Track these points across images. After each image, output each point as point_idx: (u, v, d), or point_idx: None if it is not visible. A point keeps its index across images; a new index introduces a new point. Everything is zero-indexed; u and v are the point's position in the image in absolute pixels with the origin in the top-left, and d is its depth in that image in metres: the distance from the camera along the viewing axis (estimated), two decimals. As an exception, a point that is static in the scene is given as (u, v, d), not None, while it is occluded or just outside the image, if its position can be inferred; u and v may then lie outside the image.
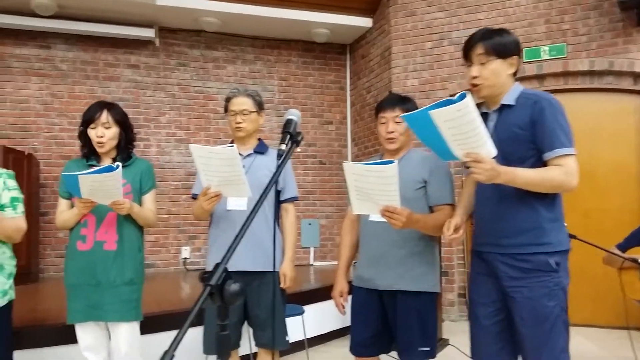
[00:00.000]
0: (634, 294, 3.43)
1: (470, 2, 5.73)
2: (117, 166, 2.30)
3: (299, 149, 1.78)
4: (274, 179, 1.45)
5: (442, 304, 5.15)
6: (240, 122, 2.69)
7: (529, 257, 1.98)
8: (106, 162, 2.61)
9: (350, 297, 2.57)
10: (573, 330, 2.09)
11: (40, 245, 5.90)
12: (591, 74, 5.25)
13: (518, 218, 2.01)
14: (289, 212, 2.79)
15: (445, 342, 4.43)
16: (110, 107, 2.62)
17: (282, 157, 1.60)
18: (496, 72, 2.03)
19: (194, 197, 2.72)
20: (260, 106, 2.77)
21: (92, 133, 2.57)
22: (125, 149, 2.65)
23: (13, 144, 5.69)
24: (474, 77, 2.05)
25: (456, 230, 2.09)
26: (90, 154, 2.63)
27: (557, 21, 5.35)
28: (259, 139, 2.82)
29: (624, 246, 3.38)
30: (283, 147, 1.64)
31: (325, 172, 7.23)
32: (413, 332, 2.31)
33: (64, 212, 2.58)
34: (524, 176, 1.90)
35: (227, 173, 2.29)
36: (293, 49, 7.16)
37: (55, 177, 5.97)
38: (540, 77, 5.41)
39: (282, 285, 2.66)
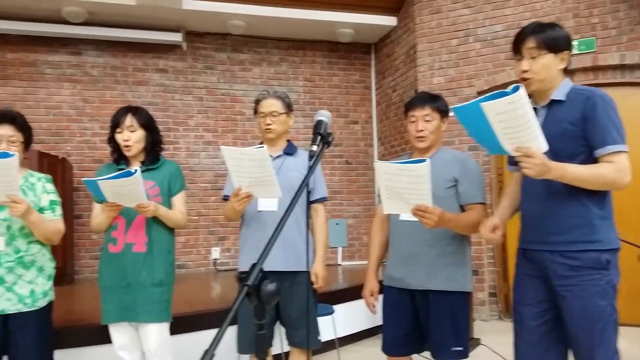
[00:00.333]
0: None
1: (496, -2, 5.67)
2: (135, 170, 2.34)
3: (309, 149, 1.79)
4: (307, 180, 1.47)
5: (472, 304, 5.11)
6: (269, 124, 2.71)
7: (579, 255, 1.94)
8: (135, 165, 2.66)
9: (380, 297, 2.57)
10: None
11: (75, 247, 6.05)
12: (622, 67, 5.14)
13: (567, 214, 1.96)
14: (319, 212, 2.81)
15: (476, 342, 4.40)
16: (135, 111, 2.66)
17: (314, 158, 1.61)
18: (547, 67, 2.00)
19: (225, 198, 2.75)
20: (289, 107, 2.80)
21: (118, 137, 2.63)
22: (152, 152, 2.69)
23: (47, 148, 5.84)
24: (524, 71, 2.01)
25: (494, 230, 2.06)
26: (119, 158, 2.69)
27: (585, 15, 5.25)
28: (287, 140, 2.84)
29: None
30: (314, 148, 1.65)
31: (352, 172, 7.24)
32: (446, 331, 2.30)
33: (97, 216, 2.64)
34: (575, 172, 1.86)
35: (257, 174, 2.32)
36: (318, 49, 7.18)
37: (88, 181, 6.11)
38: (569, 72, 5.28)
39: (314, 285, 2.68)
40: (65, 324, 3.48)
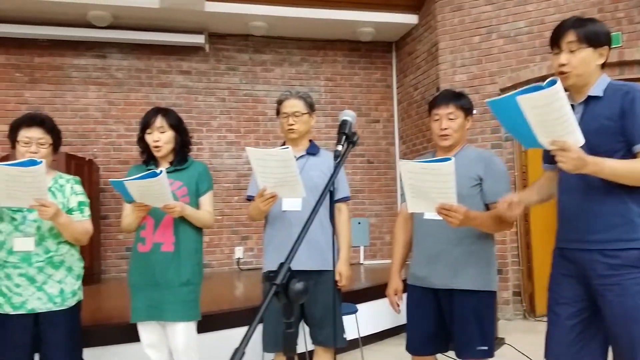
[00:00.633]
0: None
1: (519, -6, 5.61)
2: (161, 171, 2.37)
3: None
4: (332, 180, 1.48)
5: (496, 303, 5.07)
6: (292, 124, 2.73)
7: (620, 253, 1.89)
8: (164, 166, 2.69)
9: (404, 296, 2.57)
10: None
11: (102, 247, 6.16)
12: (648, 62, 5.05)
13: (607, 212, 1.92)
14: (342, 211, 2.82)
15: (501, 341, 4.36)
16: (165, 112, 2.70)
17: (339, 158, 1.62)
18: (586, 61, 1.96)
19: (249, 198, 2.77)
20: (311, 107, 2.80)
21: (148, 138, 2.67)
22: (181, 152, 2.72)
23: (74, 150, 5.95)
24: (562, 65, 1.98)
25: (510, 205, 2.02)
26: (149, 158, 2.73)
27: (610, 9, 5.16)
28: (310, 140, 2.85)
29: None
30: (339, 148, 1.66)
31: (374, 171, 7.23)
32: (471, 331, 2.29)
33: (127, 216, 2.68)
34: (612, 167, 1.82)
35: (282, 174, 2.33)
36: (338, 49, 7.19)
37: (114, 182, 6.22)
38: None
39: (338, 285, 2.69)
40: (93, 323, 3.56)
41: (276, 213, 2.69)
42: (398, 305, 2.57)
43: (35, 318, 2.45)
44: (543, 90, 1.63)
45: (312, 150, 2.80)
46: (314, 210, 1.42)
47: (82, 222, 2.56)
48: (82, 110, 6.37)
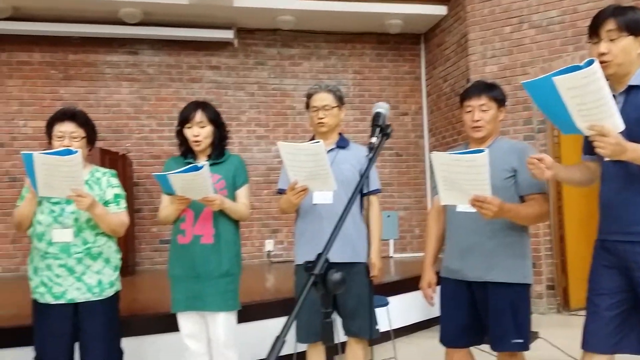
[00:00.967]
0: None
1: (551, -18, 5.50)
2: (202, 165, 2.40)
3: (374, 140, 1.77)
4: (367, 172, 1.49)
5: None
6: (322, 118, 2.73)
7: None
8: (202, 159, 2.73)
9: (437, 288, 2.57)
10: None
11: (136, 240, 6.28)
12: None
13: None
14: (373, 204, 2.82)
15: (535, 335, 4.31)
16: (204, 106, 2.73)
17: (373, 150, 1.63)
18: (626, 50, 1.92)
19: (280, 192, 2.80)
20: (340, 101, 2.81)
21: (188, 132, 2.70)
22: (219, 146, 2.76)
23: (108, 145, 6.07)
24: (603, 54, 1.94)
25: (540, 160, 1.97)
26: (187, 151, 2.76)
27: (648, -4, 5.02)
28: (339, 134, 2.86)
29: None
30: (373, 140, 1.66)
31: (402, 164, 7.20)
32: (506, 323, 2.27)
33: (166, 208, 2.73)
34: None
35: (313, 168, 2.35)
36: (366, 41, 7.16)
37: (147, 176, 6.34)
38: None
39: (371, 275, 2.70)
40: (130, 313, 3.63)
41: (307, 206, 2.71)
42: (432, 298, 2.56)
43: (75, 308, 2.50)
44: (581, 71, 1.59)
45: (342, 144, 2.81)
46: (350, 202, 1.43)
47: (118, 214, 2.60)
48: (115, 105, 6.50)
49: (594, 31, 1.98)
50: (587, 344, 2.06)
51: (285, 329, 1.08)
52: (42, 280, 2.50)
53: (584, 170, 2.15)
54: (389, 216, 6.76)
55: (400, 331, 4.51)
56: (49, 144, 2.58)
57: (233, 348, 2.69)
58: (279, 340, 1.05)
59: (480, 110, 2.36)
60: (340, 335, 2.78)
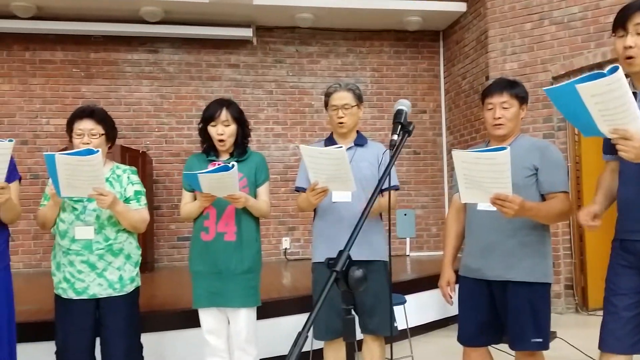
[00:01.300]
0: None
1: (573, -22, 5.42)
2: (233, 165, 2.43)
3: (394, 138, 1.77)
4: (388, 170, 1.49)
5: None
6: (342, 117, 2.73)
7: None
8: (224, 156, 2.76)
9: (456, 287, 2.56)
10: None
11: (155, 237, 6.36)
12: None
13: None
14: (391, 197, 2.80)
15: (553, 335, 4.27)
16: (229, 104, 2.74)
17: (395, 147, 1.62)
18: None
19: (297, 189, 2.81)
20: (360, 99, 2.80)
21: (212, 131, 2.71)
22: (241, 144, 2.78)
23: (128, 143, 6.15)
24: (629, 48, 1.90)
25: (594, 218, 1.99)
26: (209, 149, 2.78)
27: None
28: (357, 132, 2.86)
29: None
30: (395, 137, 1.66)
31: (420, 162, 7.17)
32: (525, 323, 2.25)
33: (187, 204, 2.75)
34: None
35: (335, 171, 2.37)
36: (385, 39, 7.15)
37: (166, 174, 6.41)
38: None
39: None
40: (149, 309, 3.68)
41: (326, 205, 2.71)
42: (450, 297, 2.55)
43: (97, 303, 2.54)
44: (605, 78, 1.58)
45: (360, 142, 2.81)
46: (370, 202, 1.43)
47: (139, 211, 2.63)
48: (136, 103, 6.58)
49: (621, 24, 1.94)
50: (605, 344, 2.04)
51: (308, 325, 1.09)
52: (64, 276, 2.54)
53: (609, 190, 2.13)
54: (405, 214, 6.74)
55: (416, 330, 4.50)
56: (70, 142, 2.61)
57: (253, 343, 2.71)
58: (302, 336, 1.06)
59: (502, 108, 2.34)
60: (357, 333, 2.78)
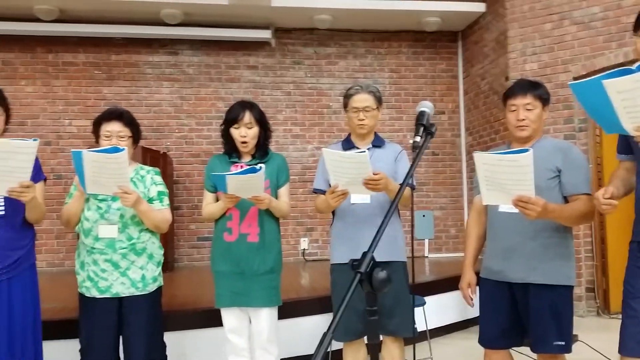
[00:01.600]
0: None
1: (593, -23, 5.36)
2: (260, 168, 2.46)
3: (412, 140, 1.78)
4: (411, 172, 1.50)
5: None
6: (363, 119, 2.72)
7: None
8: (246, 158, 2.78)
9: (477, 289, 2.55)
10: None
11: (175, 237, 6.42)
12: None
13: None
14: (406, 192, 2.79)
15: (574, 338, 4.22)
16: (252, 107, 2.76)
17: (418, 149, 1.63)
18: None
19: (316, 191, 2.83)
20: (379, 102, 2.80)
21: (235, 133, 2.73)
22: (263, 146, 2.81)
23: (149, 144, 6.21)
24: None
25: (612, 197, 1.91)
26: (231, 150, 2.80)
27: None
28: (375, 133, 2.86)
29: None
30: (417, 139, 1.66)
31: (439, 163, 7.14)
32: (548, 325, 2.24)
33: (210, 205, 2.78)
34: None
35: (356, 175, 2.38)
36: (403, 40, 7.13)
37: (186, 174, 6.48)
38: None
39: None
40: (171, 309, 3.70)
41: (345, 206, 2.70)
42: (471, 299, 2.54)
43: (120, 302, 2.58)
44: (633, 75, 1.57)
45: (378, 143, 2.81)
46: (393, 204, 1.44)
47: (162, 211, 2.67)
48: (156, 105, 6.65)
49: None
50: (625, 348, 2.02)
51: (333, 325, 1.10)
52: (88, 275, 2.57)
53: (625, 181, 2.09)
54: (424, 216, 6.72)
55: (435, 331, 4.48)
56: (96, 143, 2.64)
57: (275, 343, 2.74)
58: (327, 336, 1.07)
59: (525, 109, 2.33)
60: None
